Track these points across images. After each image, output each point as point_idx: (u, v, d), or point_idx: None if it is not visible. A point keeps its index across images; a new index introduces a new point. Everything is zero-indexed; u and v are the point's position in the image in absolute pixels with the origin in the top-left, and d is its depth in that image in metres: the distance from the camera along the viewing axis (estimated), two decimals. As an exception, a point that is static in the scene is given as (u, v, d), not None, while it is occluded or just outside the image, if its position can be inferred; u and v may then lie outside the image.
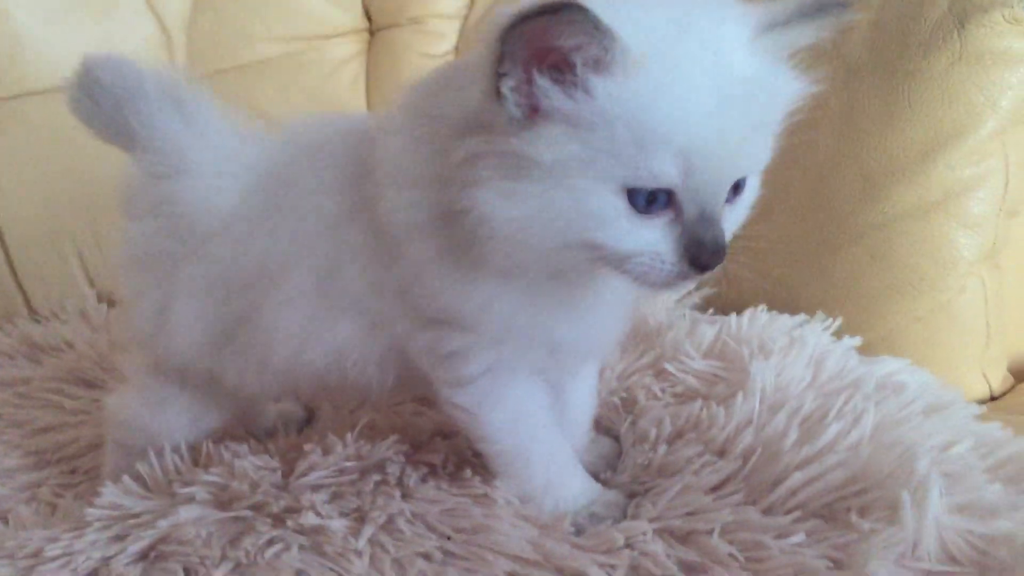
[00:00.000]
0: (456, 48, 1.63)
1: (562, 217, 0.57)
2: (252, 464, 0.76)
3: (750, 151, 0.58)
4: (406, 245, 0.65)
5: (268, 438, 0.87)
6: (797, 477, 0.67)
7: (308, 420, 0.97)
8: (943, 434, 0.69)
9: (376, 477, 0.74)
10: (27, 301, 1.42)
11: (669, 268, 0.58)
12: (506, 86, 0.55)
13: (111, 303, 1.39)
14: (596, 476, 0.76)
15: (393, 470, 0.75)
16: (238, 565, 0.65)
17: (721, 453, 0.73)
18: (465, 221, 0.59)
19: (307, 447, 0.77)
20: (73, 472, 0.96)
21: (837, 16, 0.60)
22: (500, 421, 0.71)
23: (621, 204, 0.56)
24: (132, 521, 0.70)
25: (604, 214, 0.57)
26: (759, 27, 0.58)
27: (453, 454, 0.79)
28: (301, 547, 0.66)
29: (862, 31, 0.89)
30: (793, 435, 0.71)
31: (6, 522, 0.83)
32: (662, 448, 0.75)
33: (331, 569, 0.64)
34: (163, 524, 0.69)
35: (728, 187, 0.59)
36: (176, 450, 0.81)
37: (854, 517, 0.63)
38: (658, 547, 0.65)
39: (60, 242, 1.46)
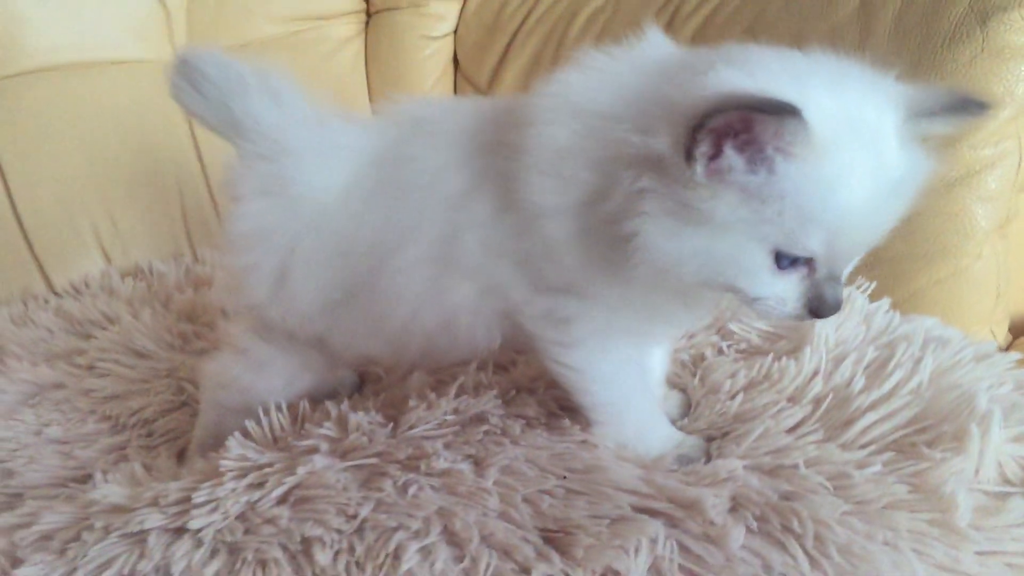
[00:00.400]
0: (455, 31, 1.68)
1: (718, 265, 0.66)
2: (362, 419, 0.83)
3: (887, 229, 0.68)
4: (543, 223, 0.71)
5: (331, 400, 0.92)
6: (869, 416, 0.77)
7: (360, 385, 1.04)
8: (990, 378, 0.79)
9: (483, 427, 0.81)
10: (46, 278, 1.44)
11: (790, 311, 0.69)
12: (699, 151, 0.62)
13: (135, 277, 1.43)
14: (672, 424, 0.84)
15: (495, 422, 0.82)
16: (380, 504, 0.72)
17: (793, 400, 0.82)
18: (618, 235, 0.67)
19: (412, 402, 0.84)
20: (151, 435, 1.01)
21: (977, 115, 0.69)
22: (603, 376, 0.79)
23: (768, 262, 0.66)
24: (267, 470, 0.76)
25: (753, 268, 0.66)
26: (909, 113, 0.66)
27: (542, 407, 0.86)
28: (433, 488, 0.73)
29: (886, 26, 0.99)
30: (860, 382, 0.81)
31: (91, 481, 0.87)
32: (739, 397, 0.84)
33: (468, 506, 0.71)
34: (301, 470, 0.75)
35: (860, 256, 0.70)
36: (279, 408, 0.87)
37: (925, 449, 0.73)
38: (753, 480, 0.73)
39: (76, 219, 1.48)
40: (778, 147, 0.62)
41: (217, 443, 0.84)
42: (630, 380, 0.80)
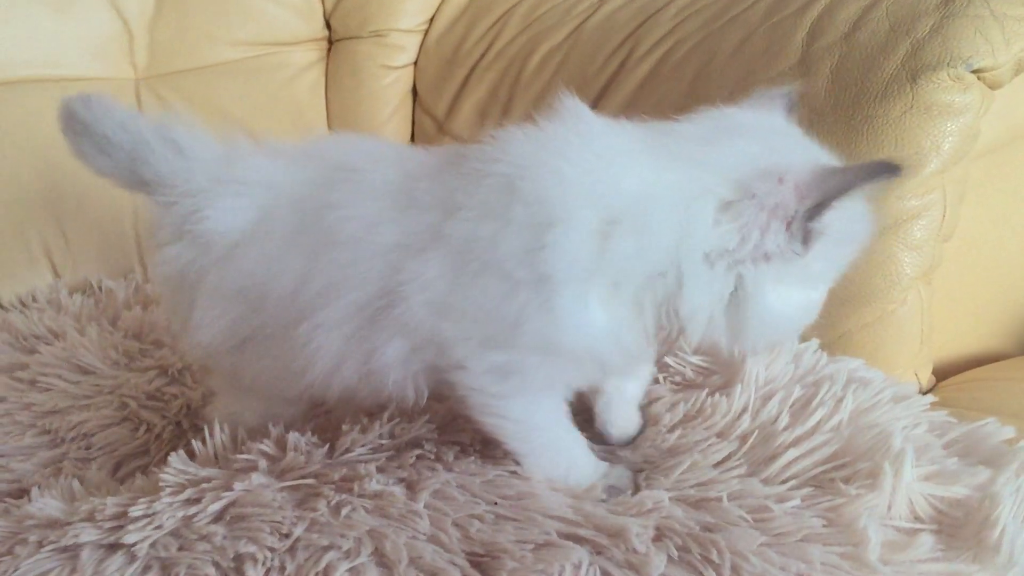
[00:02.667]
0: (416, 62, 1.70)
1: (809, 314, 0.76)
2: (300, 439, 0.84)
3: None
4: (550, 288, 0.71)
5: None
6: (791, 453, 0.80)
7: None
8: (906, 419, 0.83)
9: (416, 452, 0.83)
10: (-9, 290, 1.44)
11: None
12: (815, 228, 0.70)
13: (83, 293, 1.43)
14: (614, 451, 0.86)
15: (429, 447, 0.84)
16: (314, 523, 0.73)
17: (721, 436, 0.85)
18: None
19: (344, 426, 0.86)
20: (89, 448, 1.01)
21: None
22: (540, 424, 0.81)
23: None
24: (204, 485, 0.77)
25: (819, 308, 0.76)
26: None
27: (477, 434, 0.88)
28: (366, 510, 0.75)
29: (824, 78, 1.03)
30: (784, 419, 0.84)
31: (28, 496, 0.88)
32: (677, 431, 0.87)
33: (399, 528, 0.73)
34: (238, 487, 0.76)
35: None
36: (222, 428, 0.88)
37: (841, 485, 0.76)
38: (677, 511, 0.76)
39: (26, 233, 1.48)
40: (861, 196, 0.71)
41: None
42: (563, 422, 0.82)
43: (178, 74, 1.68)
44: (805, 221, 0.69)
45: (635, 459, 0.87)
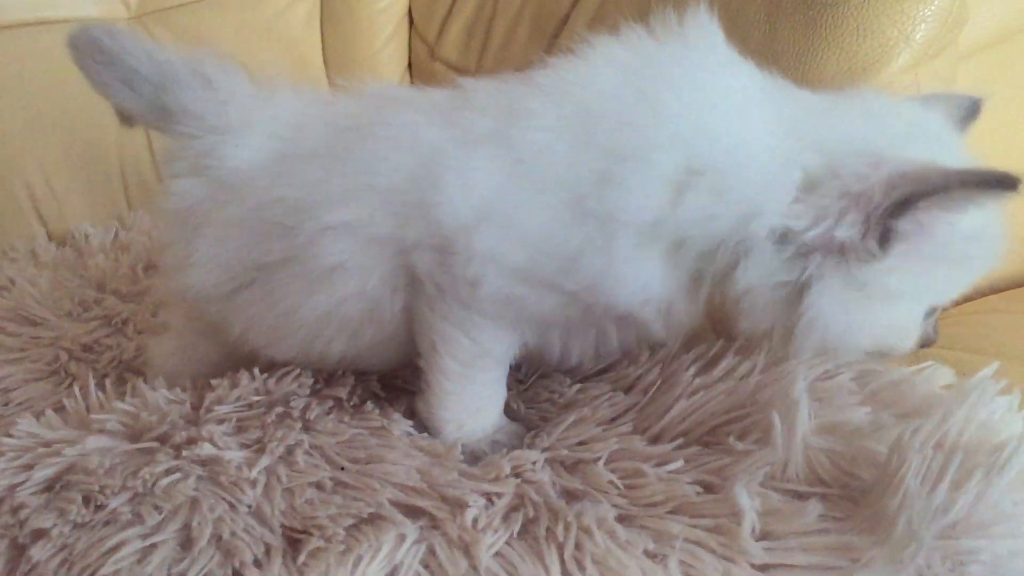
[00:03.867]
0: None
1: (889, 333, 0.66)
2: (164, 397, 0.77)
3: None
4: (613, 229, 0.64)
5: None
6: (682, 405, 0.68)
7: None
8: (828, 365, 0.70)
9: (279, 410, 0.75)
10: (-21, 241, 1.43)
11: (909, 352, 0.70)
12: (897, 236, 0.59)
13: (60, 243, 1.41)
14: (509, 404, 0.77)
15: (297, 403, 0.76)
16: (135, 495, 0.67)
17: (628, 389, 0.75)
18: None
19: (214, 381, 0.78)
20: (7, 404, 0.98)
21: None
22: (482, 352, 0.72)
23: (923, 318, 0.66)
24: (42, 450, 0.71)
25: (913, 329, 0.67)
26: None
27: (361, 388, 0.80)
28: (199, 477, 0.68)
29: (781, -37, 0.88)
30: (692, 369, 0.72)
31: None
32: (578, 386, 0.77)
33: (223, 498, 0.65)
34: (70, 452, 0.70)
35: None
36: (101, 385, 0.83)
37: (732, 441, 0.65)
38: (545, 475, 0.66)
39: (10, 181, 1.46)
40: (964, 211, 0.59)
41: None
42: (505, 368, 0.74)
43: (170, 10, 1.62)
44: (886, 217, 0.59)
45: (531, 415, 0.77)
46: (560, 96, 0.67)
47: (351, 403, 0.77)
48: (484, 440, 0.72)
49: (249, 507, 0.65)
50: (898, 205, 0.58)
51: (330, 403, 0.77)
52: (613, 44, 0.68)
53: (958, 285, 0.66)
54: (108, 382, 0.84)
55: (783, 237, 0.63)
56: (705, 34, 0.67)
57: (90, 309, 1.16)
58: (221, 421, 0.74)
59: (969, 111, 0.72)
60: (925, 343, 0.70)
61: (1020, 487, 0.58)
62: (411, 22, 1.60)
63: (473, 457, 0.71)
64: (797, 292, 0.63)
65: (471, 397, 0.73)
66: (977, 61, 0.90)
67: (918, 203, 0.57)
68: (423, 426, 0.75)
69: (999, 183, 0.56)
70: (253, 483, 0.67)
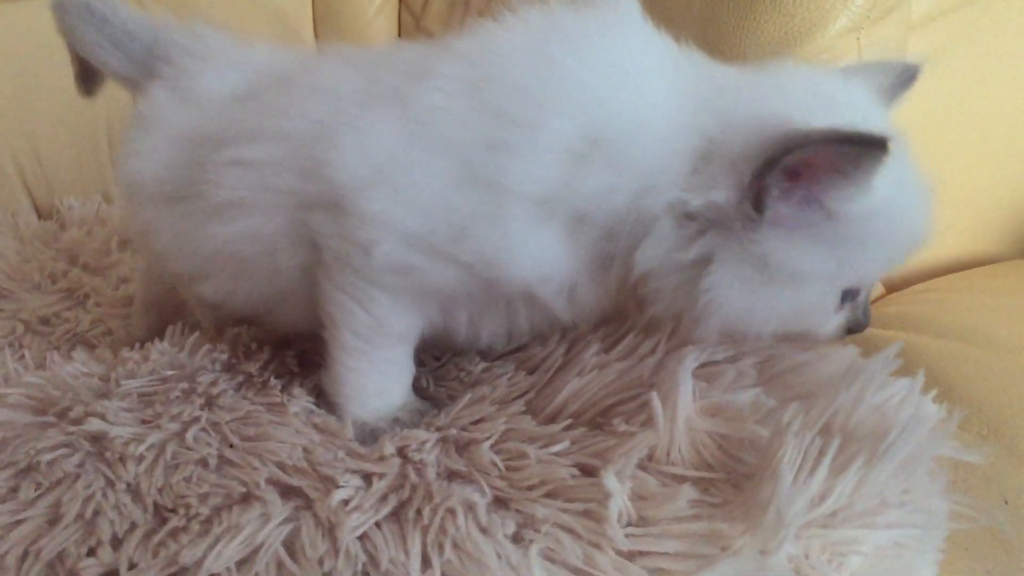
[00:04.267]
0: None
1: (796, 315, 0.62)
2: (74, 370, 0.77)
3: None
4: (505, 200, 0.61)
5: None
6: (573, 385, 0.66)
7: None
8: (732, 349, 0.66)
9: (184, 385, 0.74)
10: (-30, 214, 1.44)
11: (835, 337, 0.67)
12: (770, 197, 0.56)
13: (46, 216, 1.42)
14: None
15: (204, 379, 0.75)
16: (20, 470, 0.66)
17: (532, 370, 0.72)
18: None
19: (126, 354, 0.78)
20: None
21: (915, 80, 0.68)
22: (382, 329, 0.69)
23: (838, 302, 0.63)
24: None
25: (827, 312, 0.63)
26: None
27: (277, 363, 0.78)
28: (87, 452, 0.67)
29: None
30: (594, 348, 0.70)
31: None
32: (484, 364, 0.75)
33: (104, 474, 0.64)
34: (-41, 430, 0.70)
35: None
36: (21, 357, 0.83)
37: (616, 422, 0.62)
38: (431, 456, 0.64)
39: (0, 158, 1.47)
40: (854, 187, 0.56)
41: None
42: (408, 346, 0.72)
43: (172, -12, 1.62)
44: (757, 178, 0.56)
45: (440, 392, 0.75)
46: (466, 59, 0.64)
47: (261, 379, 0.76)
48: (385, 419, 0.70)
49: (128, 484, 0.64)
50: (767, 163, 0.55)
51: (240, 378, 0.76)
52: (531, 11, 0.65)
53: (870, 266, 0.62)
54: (27, 353, 0.83)
55: (682, 213, 0.60)
56: (620, 5, 0.64)
57: (57, 282, 1.17)
58: (126, 396, 0.73)
59: (903, 78, 0.68)
60: (854, 328, 0.66)
61: (909, 475, 0.55)
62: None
63: (373, 436, 0.69)
64: (698, 273, 0.60)
65: (372, 375, 0.71)
66: (933, 29, 0.85)
67: (783, 159, 0.54)
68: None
69: (866, 142, 0.52)
70: (139, 459, 0.65)
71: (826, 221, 0.57)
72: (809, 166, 0.55)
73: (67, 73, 1.51)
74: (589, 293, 0.65)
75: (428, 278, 0.65)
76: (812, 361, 0.64)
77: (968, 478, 0.61)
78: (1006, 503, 0.62)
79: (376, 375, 0.71)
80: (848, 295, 0.64)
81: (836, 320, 0.65)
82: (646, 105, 0.61)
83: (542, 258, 0.62)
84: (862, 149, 0.53)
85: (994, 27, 0.90)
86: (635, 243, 0.61)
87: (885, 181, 0.56)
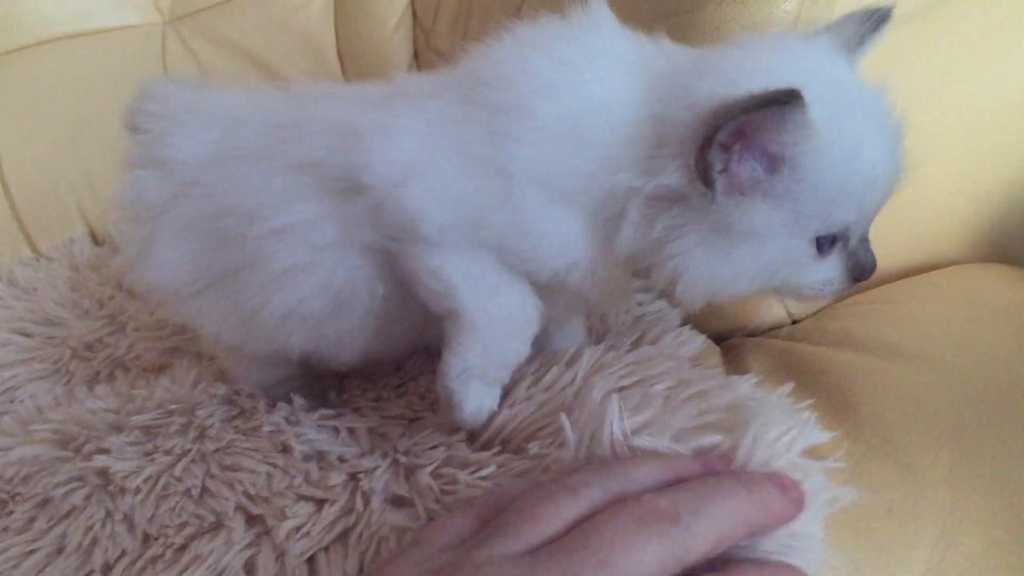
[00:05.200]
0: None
1: (769, 272, 0.66)
2: (94, 405, 0.88)
3: (904, 168, 0.67)
4: (512, 183, 0.67)
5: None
6: (506, 413, 0.74)
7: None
8: (647, 373, 0.73)
9: (183, 420, 0.84)
10: (32, 246, 1.57)
11: (838, 287, 0.69)
12: (715, 172, 0.62)
13: (98, 243, 1.54)
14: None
15: (201, 412, 0.85)
16: (39, 503, 0.77)
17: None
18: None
19: (135, 392, 0.88)
20: (12, 402, 1.06)
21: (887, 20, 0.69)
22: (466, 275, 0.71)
23: (812, 250, 0.66)
24: (-23, 462, 0.83)
25: (802, 262, 0.66)
26: (849, 55, 0.68)
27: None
28: (95, 486, 0.78)
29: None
30: (528, 379, 0.77)
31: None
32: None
33: (105, 506, 0.75)
34: (-1, 460, 0.81)
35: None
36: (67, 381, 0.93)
37: (531, 446, 0.69)
38: (380, 483, 0.72)
39: (59, 188, 1.59)
40: (791, 139, 0.61)
41: None
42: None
43: (198, 13, 1.73)
44: (699, 157, 0.61)
45: (399, 407, 0.84)
46: (465, 72, 0.72)
47: (251, 405, 0.85)
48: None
49: (125, 515, 0.74)
50: (704, 141, 0.59)
51: (235, 411, 0.85)
52: (521, 24, 0.71)
53: (835, 210, 0.64)
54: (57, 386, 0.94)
55: (643, 197, 0.65)
56: (591, 8, 0.70)
57: (104, 307, 1.28)
58: (133, 430, 0.83)
59: (873, 22, 0.70)
60: (859, 273, 0.69)
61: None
62: (414, 13, 1.65)
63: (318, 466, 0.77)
64: (660, 251, 0.66)
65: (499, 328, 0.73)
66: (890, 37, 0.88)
67: (715, 136, 0.59)
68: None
69: (775, 99, 0.56)
70: (136, 491, 0.76)
71: (772, 177, 0.62)
72: (744, 133, 0.59)
73: (119, 104, 1.64)
74: (607, 273, 0.71)
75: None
76: (713, 389, 0.69)
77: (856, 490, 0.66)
78: (889, 514, 0.67)
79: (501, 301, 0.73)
80: (826, 242, 0.66)
81: (825, 269, 0.67)
82: (608, 95, 0.66)
83: (564, 240, 0.68)
84: (777, 106, 0.57)
85: (962, 25, 0.92)
86: (617, 225, 0.67)
87: (829, 125, 0.60)
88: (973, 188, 0.97)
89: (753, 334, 0.93)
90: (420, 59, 1.63)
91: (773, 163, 0.61)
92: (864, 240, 0.69)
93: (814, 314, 0.92)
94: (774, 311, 0.92)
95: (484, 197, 0.67)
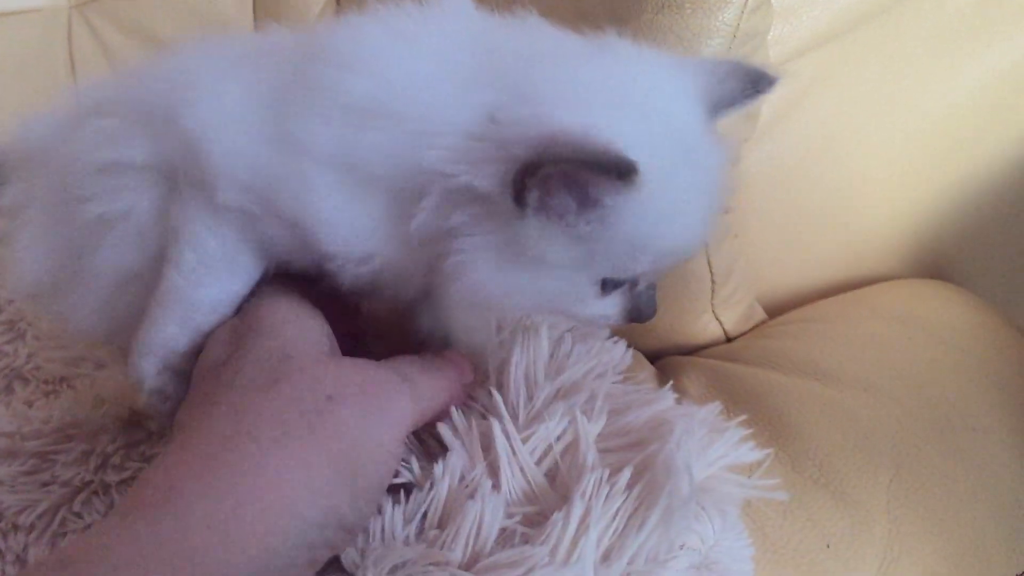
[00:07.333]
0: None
1: (546, 298, 0.64)
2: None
3: (713, 227, 0.65)
4: (300, 157, 0.63)
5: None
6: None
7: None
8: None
9: (83, 446, 0.78)
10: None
11: (613, 322, 0.68)
12: (531, 197, 0.57)
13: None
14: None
15: (104, 439, 0.79)
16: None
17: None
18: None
19: (31, 413, 0.82)
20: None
21: (767, 91, 0.66)
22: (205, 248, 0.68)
23: (596, 290, 0.64)
24: None
25: (581, 297, 0.65)
26: (712, 110, 0.64)
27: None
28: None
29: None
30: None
31: None
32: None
33: (-7, 542, 0.69)
34: None
35: None
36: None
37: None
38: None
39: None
40: (613, 193, 0.57)
41: None
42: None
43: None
44: (521, 175, 0.56)
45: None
46: (299, 41, 0.67)
47: (157, 429, 0.80)
48: None
49: (18, 556, 0.69)
50: (531, 165, 0.56)
51: (143, 433, 0.80)
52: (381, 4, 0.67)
53: (628, 264, 0.62)
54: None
55: (447, 187, 0.61)
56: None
57: (3, 311, 1.20)
58: (30, 458, 0.77)
59: (756, 86, 0.66)
60: (635, 317, 0.67)
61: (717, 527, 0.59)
62: (337, 1, 1.60)
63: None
64: (450, 242, 0.62)
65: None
66: (820, 54, 0.87)
67: (543, 166, 0.55)
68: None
69: (613, 169, 0.54)
70: (30, 529, 0.70)
71: (580, 215, 0.59)
72: (567, 175, 0.56)
73: (18, 88, 1.55)
74: (410, 262, 0.66)
75: (266, 229, 0.66)
76: (633, 406, 0.67)
77: (793, 522, 0.64)
78: (828, 547, 0.65)
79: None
80: (610, 284, 0.64)
81: (603, 307, 0.66)
82: (435, 70, 0.62)
83: (357, 226, 0.64)
84: (604, 174, 0.55)
85: (897, 41, 0.91)
86: (416, 204, 0.62)
87: (654, 188, 0.57)
88: (909, 203, 0.97)
89: (688, 352, 0.91)
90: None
91: (586, 203, 0.58)
92: (651, 287, 0.68)
93: (749, 331, 0.90)
94: (710, 329, 0.89)
95: (282, 174, 0.63)
